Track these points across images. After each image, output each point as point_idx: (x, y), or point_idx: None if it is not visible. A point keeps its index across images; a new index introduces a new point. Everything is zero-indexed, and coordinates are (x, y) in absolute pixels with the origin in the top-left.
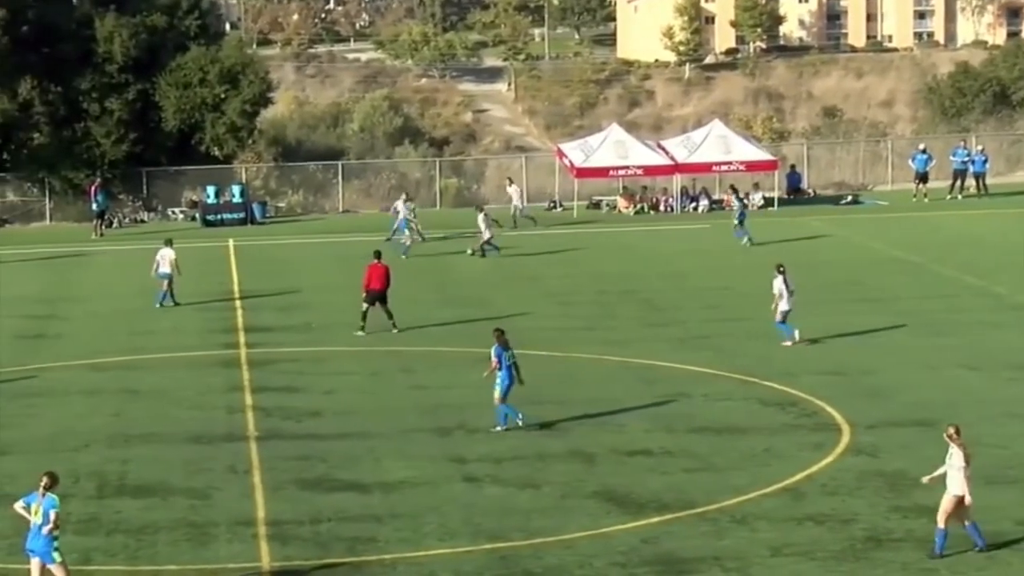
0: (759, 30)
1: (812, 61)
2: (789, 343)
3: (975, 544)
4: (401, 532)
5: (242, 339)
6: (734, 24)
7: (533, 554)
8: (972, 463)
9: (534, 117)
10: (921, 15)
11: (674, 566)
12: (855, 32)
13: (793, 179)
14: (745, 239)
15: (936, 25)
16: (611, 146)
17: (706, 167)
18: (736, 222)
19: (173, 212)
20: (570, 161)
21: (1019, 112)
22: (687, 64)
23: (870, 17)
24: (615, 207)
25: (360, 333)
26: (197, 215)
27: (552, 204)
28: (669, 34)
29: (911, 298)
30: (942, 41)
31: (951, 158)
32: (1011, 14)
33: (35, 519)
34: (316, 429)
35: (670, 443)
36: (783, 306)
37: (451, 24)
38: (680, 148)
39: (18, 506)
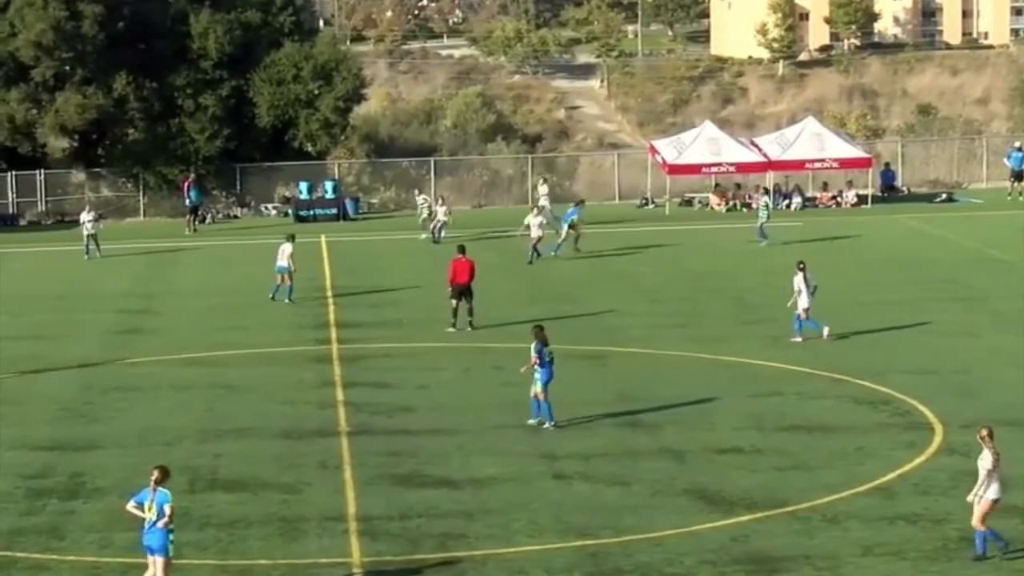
0: (853, 27)
1: (907, 58)
2: (826, 334)
3: (977, 550)
4: (491, 528)
5: (334, 335)
6: (828, 21)
7: (622, 551)
8: (1000, 465)
9: (627, 114)
10: (1018, 11)
11: (764, 564)
12: (950, 29)
13: (887, 177)
14: (764, 242)
15: None
16: (704, 143)
17: (799, 164)
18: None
19: (266, 208)
20: (663, 158)
21: None
22: (781, 61)
23: (966, 14)
24: (707, 204)
25: (451, 329)
26: (290, 211)
27: (644, 201)
28: (763, 31)
29: (1005, 297)
30: None
31: None
32: None
33: (149, 515)
34: (407, 425)
35: (761, 441)
36: (803, 303)
37: (544, 21)
38: (773, 145)
39: (130, 507)
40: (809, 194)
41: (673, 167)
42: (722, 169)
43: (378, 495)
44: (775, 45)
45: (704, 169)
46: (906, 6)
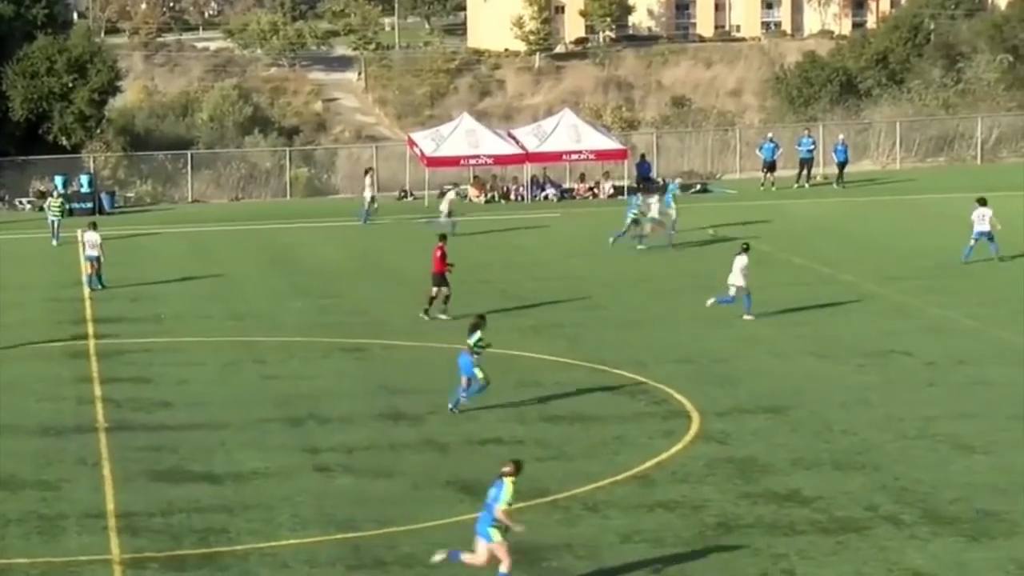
0: (608, 20)
1: (661, 51)
2: (750, 317)
3: None
4: (253, 523)
5: (91, 330)
6: (583, 14)
7: (385, 543)
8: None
9: (385, 107)
10: (768, 5)
11: (527, 554)
12: (703, 22)
13: (643, 168)
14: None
15: (783, 15)
16: (462, 135)
17: (556, 156)
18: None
19: (20, 202)
20: (421, 150)
21: (865, 102)
22: (537, 54)
23: (718, 7)
24: (466, 196)
25: (443, 316)
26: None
27: (403, 193)
28: (519, 24)
29: (760, 287)
30: (789, 31)
31: (797, 147)
32: (856, 4)
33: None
34: (167, 420)
35: (522, 432)
36: (739, 280)
37: (301, 13)
38: (531, 137)
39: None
40: (566, 185)
41: (431, 159)
42: (480, 161)
43: (139, 491)
44: (531, 38)
45: (462, 161)
46: None
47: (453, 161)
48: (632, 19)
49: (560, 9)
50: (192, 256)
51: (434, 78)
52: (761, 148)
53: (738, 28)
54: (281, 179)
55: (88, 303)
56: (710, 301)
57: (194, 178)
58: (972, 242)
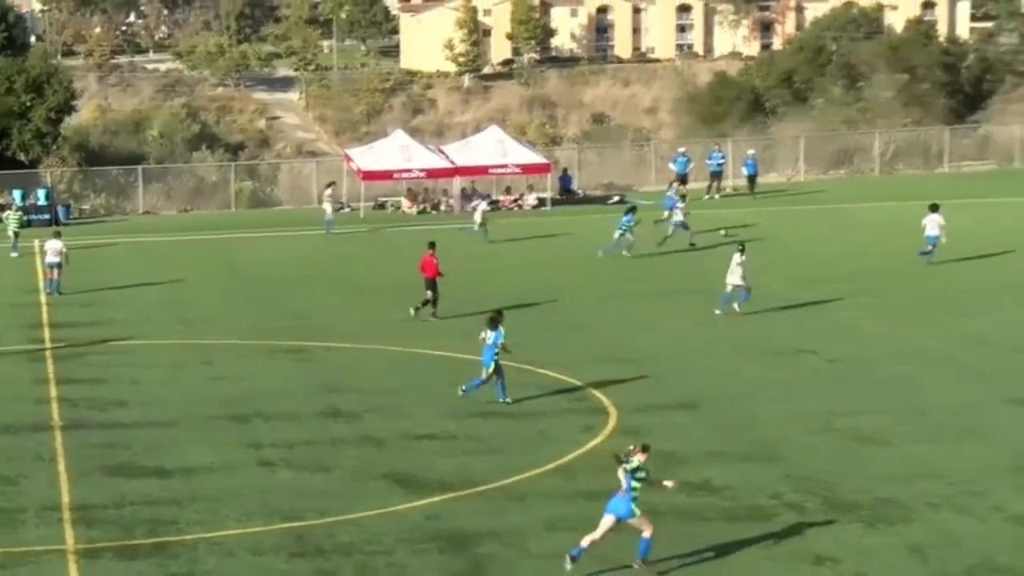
0: (533, 42)
1: (582, 71)
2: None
3: None
4: (201, 514)
5: (47, 334)
6: (510, 37)
7: (325, 533)
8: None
9: (324, 124)
10: (682, 28)
11: (457, 541)
12: (622, 44)
13: (565, 181)
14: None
15: (696, 38)
16: (396, 150)
17: (483, 170)
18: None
19: None
20: (357, 165)
21: (772, 119)
22: (466, 74)
23: (635, 30)
24: (399, 208)
25: (432, 318)
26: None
27: (340, 205)
28: (449, 46)
29: (684, 291)
30: (701, 53)
31: (707, 161)
32: (764, 27)
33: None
34: (120, 418)
35: (454, 428)
36: (736, 280)
37: (245, 36)
38: (460, 152)
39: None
40: (493, 197)
41: (367, 173)
42: (413, 174)
43: (93, 485)
44: (461, 60)
45: (396, 175)
46: (581, 23)
47: (387, 175)
48: (555, 42)
49: (488, 33)
50: (144, 264)
51: (370, 97)
52: (674, 161)
53: (653, 50)
54: (227, 192)
55: (46, 308)
56: (722, 309)
57: (145, 191)
58: (929, 247)
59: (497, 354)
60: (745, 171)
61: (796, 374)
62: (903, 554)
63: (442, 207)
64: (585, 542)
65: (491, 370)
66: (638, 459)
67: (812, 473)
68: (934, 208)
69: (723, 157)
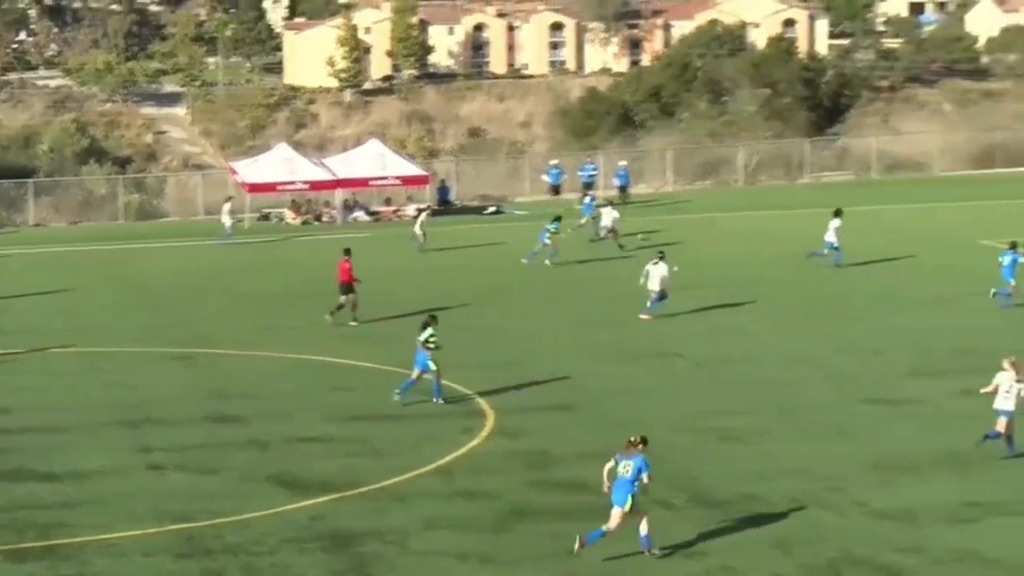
0: (412, 59)
1: (459, 87)
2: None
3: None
4: (92, 517)
5: None
6: (390, 54)
7: (213, 533)
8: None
9: (210, 138)
10: (555, 45)
11: (340, 541)
12: (497, 61)
13: (443, 192)
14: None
15: (568, 55)
16: (279, 163)
17: (364, 182)
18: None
19: None
20: (242, 178)
21: (641, 132)
22: (348, 90)
23: (510, 47)
24: (283, 219)
25: (328, 318)
26: None
27: (240, 219)
28: (331, 63)
29: (566, 296)
30: (573, 69)
31: (579, 173)
32: (633, 44)
33: (624, 474)
34: (10, 424)
35: (336, 431)
36: (654, 285)
37: (133, 54)
38: (341, 165)
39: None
40: (374, 208)
41: (252, 186)
42: (296, 186)
43: None
44: (342, 76)
45: (280, 187)
46: (458, 40)
47: (272, 187)
48: (433, 58)
49: (368, 50)
50: (35, 275)
51: (254, 112)
52: (547, 173)
53: (527, 66)
54: (115, 204)
55: None
56: (644, 316)
57: (36, 204)
58: (834, 251)
59: (430, 354)
60: (617, 182)
61: (670, 376)
62: (768, 547)
63: (324, 218)
64: (603, 528)
65: (429, 369)
66: (640, 450)
67: (681, 471)
68: (837, 213)
69: (595, 169)
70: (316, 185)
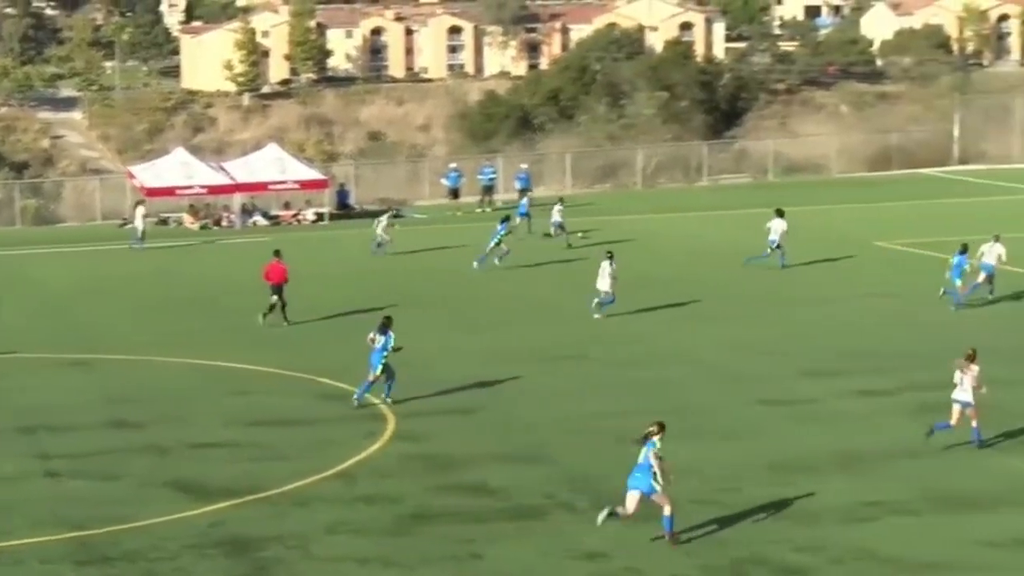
0: (310, 63)
1: (358, 90)
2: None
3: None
4: None
5: None
6: (288, 57)
7: (112, 540)
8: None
9: (108, 142)
10: (453, 49)
11: (241, 546)
12: (395, 64)
13: (342, 196)
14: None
15: (467, 58)
16: (177, 167)
17: (263, 186)
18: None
19: None
20: (140, 182)
21: (540, 135)
22: (246, 94)
23: (409, 51)
24: (181, 223)
25: (261, 320)
26: None
27: (124, 221)
28: (229, 66)
29: (464, 299)
30: (472, 72)
31: (479, 176)
32: (531, 48)
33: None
34: None
35: (236, 436)
36: (604, 286)
37: (29, 58)
38: (240, 169)
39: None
40: (272, 212)
41: (150, 190)
42: (194, 191)
43: None
44: (240, 79)
45: (178, 191)
46: (356, 44)
47: (170, 191)
48: (331, 62)
49: (266, 53)
50: None
51: (152, 116)
52: (446, 177)
53: (426, 70)
54: (11, 209)
55: None
56: (596, 316)
57: None
58: (774, 250)
59: (386, 357)
60: (517, 185)
61: (569, 378)
62: (670, 548)
63: (223, 222)
64: (619, 511)
65: (379, 372)
66: (657, 439)
67: (581, 473)
68: (780, 213)
69: (494, 172)
70: (214, 189)
